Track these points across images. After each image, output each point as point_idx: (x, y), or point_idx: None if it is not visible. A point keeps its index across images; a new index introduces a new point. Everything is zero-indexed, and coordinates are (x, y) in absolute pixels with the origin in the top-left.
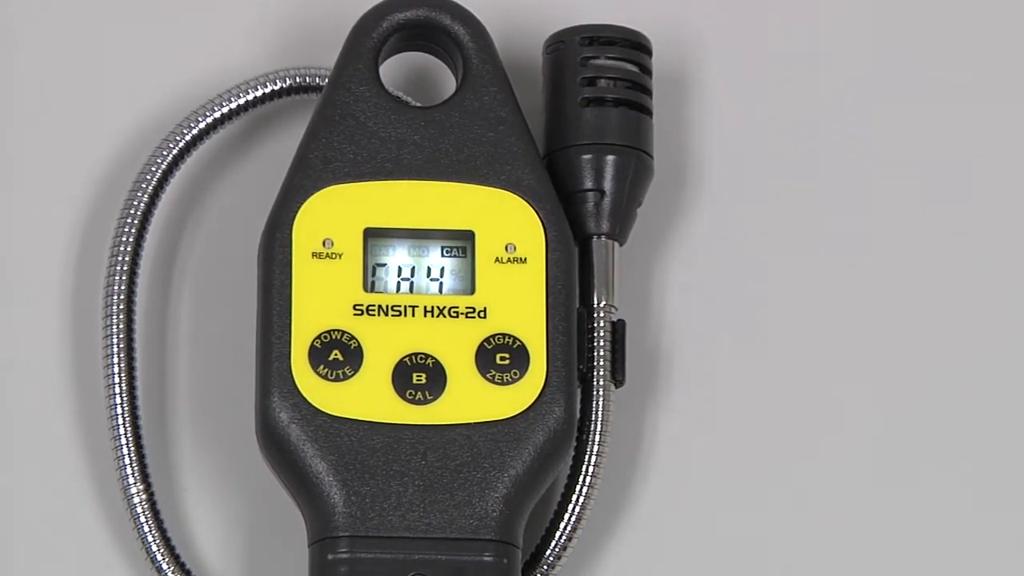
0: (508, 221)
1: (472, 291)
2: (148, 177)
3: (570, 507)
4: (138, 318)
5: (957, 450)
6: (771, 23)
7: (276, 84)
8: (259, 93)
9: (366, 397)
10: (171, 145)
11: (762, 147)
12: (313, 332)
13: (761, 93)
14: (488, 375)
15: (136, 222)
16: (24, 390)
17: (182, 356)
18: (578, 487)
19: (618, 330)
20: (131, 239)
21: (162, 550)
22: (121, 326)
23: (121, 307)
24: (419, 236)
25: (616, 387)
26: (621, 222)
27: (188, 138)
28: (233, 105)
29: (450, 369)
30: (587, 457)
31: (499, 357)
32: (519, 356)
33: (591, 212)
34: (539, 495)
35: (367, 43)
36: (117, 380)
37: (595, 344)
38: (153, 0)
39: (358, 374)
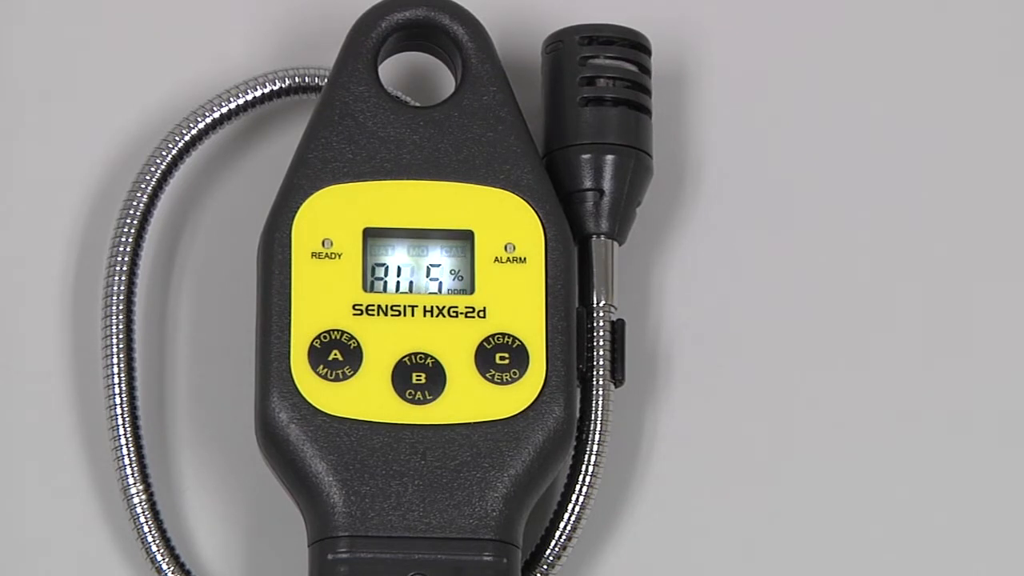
0: (507, 221)
1: (471, 291)
2: (148, 177)
3: (570, 507)
4: (138, 318)
5: (957, 449)
6: (770, 22)
7: (275, 84)
8: (259, 93)
9: (366, 397)
10: (171, 145)
11: (761, 146)
12: (313, 332)
13: (760, 92)
14: (488, 375)
15: (136, 222)
16: (24, 390)
17: (182, 356)
18: (578, 487)
19: (617, 330)
20: (131, 239)
21: (162, 550)
22: (121, 326)
23: (121, 307)
24: (418, 236)
25: (616, 387)
26: (620, 222)
27: (188, 138)
28: (233, 105)
29: (449, 369)
30: (587, 457)
31: (498, 357)
32: (518, 356)
33: (590, 212)
34: (539, 495)
35: (366, 43)
36: (117, 380)
37: (594, 344)
38: (153, 0)
39: (358, 374)
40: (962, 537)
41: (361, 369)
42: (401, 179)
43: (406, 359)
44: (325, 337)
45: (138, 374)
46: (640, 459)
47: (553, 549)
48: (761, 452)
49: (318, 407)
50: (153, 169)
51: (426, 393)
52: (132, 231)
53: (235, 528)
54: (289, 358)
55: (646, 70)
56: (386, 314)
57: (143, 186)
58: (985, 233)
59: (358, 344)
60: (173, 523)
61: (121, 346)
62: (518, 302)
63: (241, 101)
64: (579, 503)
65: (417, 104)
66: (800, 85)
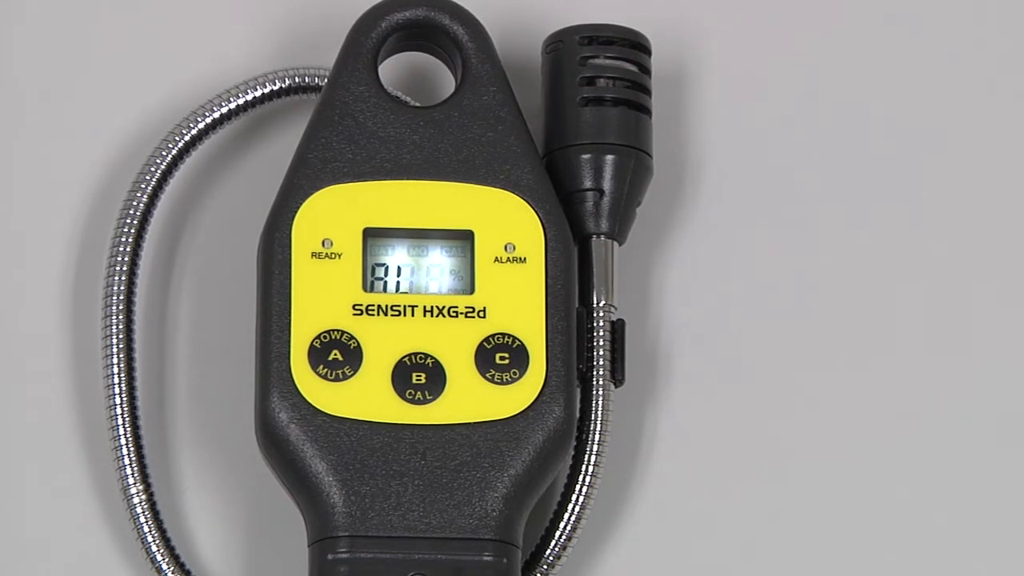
0: (507, 221)
1: (471, 291)
2: (148, 177)
3: (570, 507)
4: (138, 318)
5: (957, 449)
6: (770, 22)
7: (275, 84)
8: (258, 93)
9: (366, 397)
10: (171, 145)
11: (761, 146)
12: (313, 332)
13: (760, 92)
14: (488, 375)
15: (136, 222)
16: (24, 390)
17: (182, 356)
18: (578, 487)
19: (617, 330)
20: (131, 239)
21: (162, 550)
22: (121, 326)
23: (121, 307)
24: (418, 236)
25: (616, 387)
26: (620, 222)
27: (188, 138)
28: (232, 105)
29: (449, 369)
30: (587, 457)
31: (498, 357)
32: (518, 356)
33: (590, 212)
34: (539, 495)
35: (366, 43)
36: (117, 380)
37: (594, 344)
38: (153, 0)
39: (358, 374)
40: (962, 537)
41: (361, 369)
42: (401, 179)
43: (406, 359)
44: (325, 337)
45: (138, 374)
46: (640, 459)
47: (553, 549)
48: (761, 452)
49: (318, 407)
50: (153, 169)
51: (426, 393)
52: (132, 231)
53: (235, 528)
54: (289, 358)
55: (646, 70)
56: (386, 314)
57: (143, 186)
58: (985, 233)
59: (358, 344)
60: (173, 523)
61: (121, 346)
62: (518, 302)
63: (241, 101)
64: (579, 503)
65: (417, 104)
66: (800, 85)
